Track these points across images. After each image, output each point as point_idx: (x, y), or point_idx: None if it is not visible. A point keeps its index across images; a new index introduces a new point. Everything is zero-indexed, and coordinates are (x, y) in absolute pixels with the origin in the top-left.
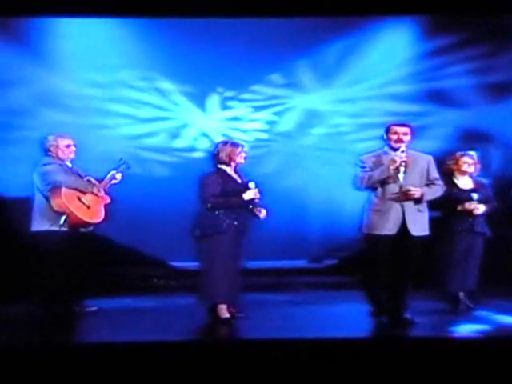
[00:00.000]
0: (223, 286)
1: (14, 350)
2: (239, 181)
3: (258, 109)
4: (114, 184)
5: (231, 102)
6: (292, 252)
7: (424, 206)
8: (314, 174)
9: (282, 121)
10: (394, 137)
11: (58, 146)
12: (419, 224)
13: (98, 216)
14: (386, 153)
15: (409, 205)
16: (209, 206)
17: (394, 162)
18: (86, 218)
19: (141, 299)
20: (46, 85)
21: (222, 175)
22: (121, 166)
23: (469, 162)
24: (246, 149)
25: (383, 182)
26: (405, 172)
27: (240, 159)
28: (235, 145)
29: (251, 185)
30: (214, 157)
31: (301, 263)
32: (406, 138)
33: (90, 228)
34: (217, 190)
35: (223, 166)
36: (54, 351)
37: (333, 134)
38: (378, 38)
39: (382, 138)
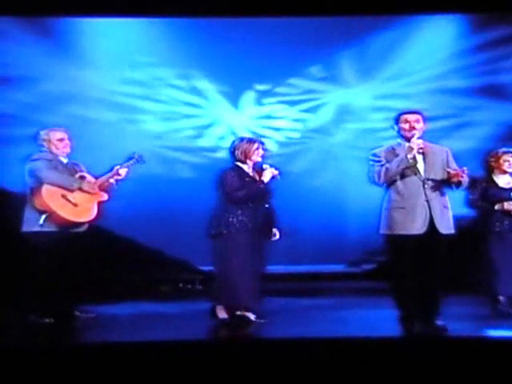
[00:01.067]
0: (233, 289)
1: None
2: (257, 178)
3: (291, 104)
4: (119, 180)
5: (265, 98)
6: (328, 256)
7: (448, 202)
8: (349, 172)
9: (316, 117)
10: (406, 125)
11: (50, 141)
12: (446, 221)
13: (88, 214)
14: (399, 144)
15: (435, 201)
16: (233, 199)
17: (411, 149)
18: (71, 217)
19: (166, 305)
20: (76, 81)
21: (239, 172)
22: (128, 160)
23: (510, 161)
24: (265, 146)
25: (402, 175)
26: (425, 162)
27: (256, 157)
28: (252, 141)
29: (265, 166)
30: (232, 154)
31: (337, 267)
32: (419, 126)
33: (84, 227)
34: (237, 184)
35: (240, 164)
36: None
37: (369, 130)
38: (424, 31)
39: (393, 128)
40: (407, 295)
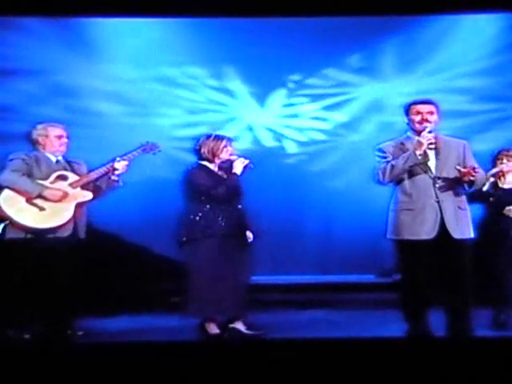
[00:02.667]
0: (213, 300)
1: None
2: (225, 177)
3: (320, 98)
4: (120, 174)
5: (294, 91)
6: (356, 265)
7: (465, 203)
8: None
9: (344, 113)
10: (417, 117)
11: (47, 136)
12: (461, 224)
13: (60, 218)
14: (408, 138)
15: (447, 202)
16: (202, 198)
17: (421, 144)
18: (34, 224)
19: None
20: (96, 77)
21: (206, 172)
22: (132, 151)
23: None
24: (233, 143)
25: (410, 173)
26: (437, 158)
27: (225, 154)
28: (219, 138)
29: (233, 157)
30: (196, 152)
31: (366, 278)
32: (432, 118)
33: (65, 232)
34: (205, 182)
35: (205, 163)
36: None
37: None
38: (466, 26)
39: (404, 120)
40: (419, 307)
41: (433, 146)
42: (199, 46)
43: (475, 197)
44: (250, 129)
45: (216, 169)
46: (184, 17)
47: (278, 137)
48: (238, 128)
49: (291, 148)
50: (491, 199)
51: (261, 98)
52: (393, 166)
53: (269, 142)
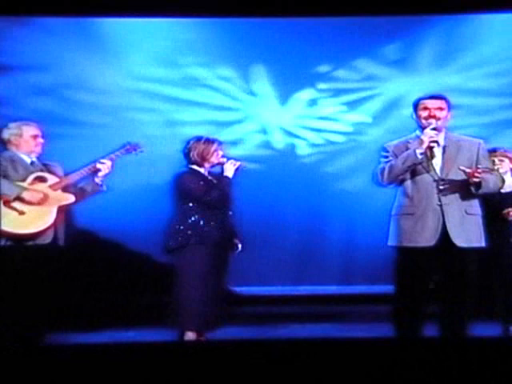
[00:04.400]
0: (202, 311)
1: None
2: (215, 182)
3: (342, 92)
4: (104, 176)
5: (318, 83)
6: (379, 274)
7: (474, 208)
8: None
9: (365, 110)
10: (425, 113)
11: (21, 136)
12: (467, 231)
13: (42, 223)
14: (417, 137)
15: (452, 206)
16: (192, 203)
17: (422, 142)
18: (12, 229)
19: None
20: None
21: (195, 176)
22: (115, 151)
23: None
24: (223, 146)
25: (413, 174)
26: (443, 158)
27: (215, 158)
28: (210, 141)
29: (222, 160)
30: (186, 156)
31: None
32: (441, 115)
33: (45, 238)
34: (195, 187)
35: (195, 167)
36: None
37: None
38: (501, 24)
39: (412, 117)
40: (411, 325)
41: (434, 145)
42: (221, 45)
43: None
44: (270, 127)
45: (206, 173)
46: (204, 17)
47: (298, 135)
48: (256, 126)
49: (309, 148)
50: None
51: (283, 95)
52: (391, 166)
53: (288, 140)
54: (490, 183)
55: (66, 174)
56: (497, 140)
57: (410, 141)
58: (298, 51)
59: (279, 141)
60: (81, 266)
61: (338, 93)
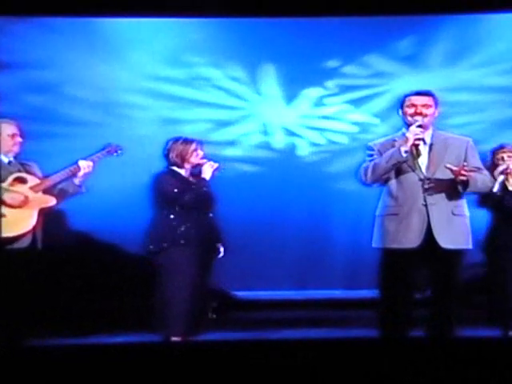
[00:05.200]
0: (183, 315)
1: None
2: (194, 183)
3: (344, 90)
4: (84, 177)
5: (326, 79)
6: None
7: (462, 208)
8: None
9: (370, 108)
10: (411, 110)
11: None
12: (453, 233)
13: (23, 226)
14: (403, 135)
15: (438, 206)
16: (180, 204)
17: (406, 139)
18: None
19: None
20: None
21: (174, 177)
22: (96, 152)
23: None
24: (203, 146)
25: (399, 173)
26: (429, 156)
27: (195, 159)
28: (188, 141)
29: (201, 161)
30: (166, 157)
31: None
32: (428, 112)
33: (24, 244)
34: (179, 188)
35: (175, 168)
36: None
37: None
38: None
39: (398, 114)
40: (400, 325)
41: (420, 143)
42: (228, 43)
43: (484, 201)
44: (274, 127)
45: (186, 174)
46: (210, 17)
47: (302, 135)
48: (260, 126)
49: (313, 147)
50: (500, 203)
51: (289, 94)
52: (375, 165)
53: (292, 140)
54: (477, 182)
55: (47, 176)
56: (509, 137)
57: (397, 139)
58: (307, 47)
59: (282, 141)
60: (59, 269)
61: (345, 90)
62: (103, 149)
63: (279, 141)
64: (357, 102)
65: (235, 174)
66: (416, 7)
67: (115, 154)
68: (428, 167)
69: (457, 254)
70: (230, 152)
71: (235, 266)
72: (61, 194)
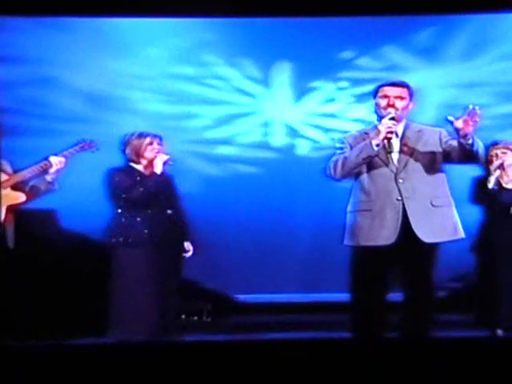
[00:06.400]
0: (134, 320)
1: None
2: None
3: (355, 83)
4: (56, 174)
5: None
6: None
7: (442, 198)
8: None
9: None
10: (384, 102)
11: None
12: (434, 225)
13: None
14: (375, 127)
15: (414, 199)
16: (129, 201)
17: (378, 132)
18: None
19: None
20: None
21: (130, 173)
22: (70, 148)
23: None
24: (160, 141)
25: (370, 167)
26: (401, 150)
27: (150, 153)
28: (142, 136)
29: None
30: (123, 153)
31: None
32: (401, 104)
33: None
34: (128, 183)
35: (132, 164)
36: None
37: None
38: None
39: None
40: (374, 326)
41: (392, 136)
42: (243, 42)
43: (480, 197)
44: (279, 125)
45: (145, 170)
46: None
47: (308, 134)
48: (265, 125)
49: (320, 146)
50: (495, 199)
51: (299, 90)
52: (345, 159)
53: (298, 139)
54: (479, 144)
55: (16, 171)
56: None
57: (368, 132)
58: (321, 37)
59: (288, 140)
60: (32, 268)
61: (355, 83)
62: (76, 144)
63: (285, 139)
64: (364, 98)
65: (239, 173)
66: (435, 6)
67: (89, 149)
68: (399, 160)
69: (437, 247)
70: (235, 151)
71: (237, 269)
72: (32, 192)
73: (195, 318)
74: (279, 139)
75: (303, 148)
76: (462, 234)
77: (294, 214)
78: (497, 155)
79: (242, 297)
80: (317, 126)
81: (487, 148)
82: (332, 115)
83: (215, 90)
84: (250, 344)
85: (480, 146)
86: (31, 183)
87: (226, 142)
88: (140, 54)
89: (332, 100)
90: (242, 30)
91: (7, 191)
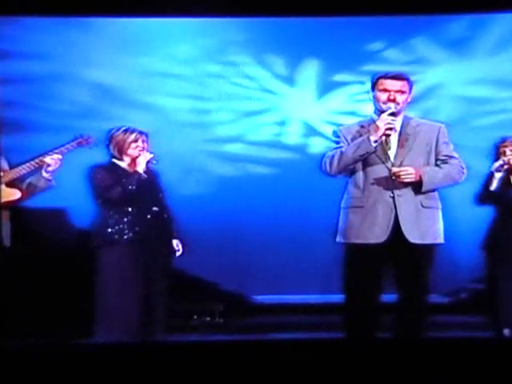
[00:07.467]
0: (120, 320)
1: None
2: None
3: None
4: (53, 170)
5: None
6: None
7: (432, 200)
8: None
9: None
10: (383, 95)
11: None
12: (422, 226)
13: None
14: (372, 120)
15: (405, 197)
16: (108, 200)
17: (377, 128)
18: None
19: None
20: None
21: (113, 170)
22: (65, 144)
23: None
24: (146, 138)
25: (366, 163)
26: (399, 145)
27: (134, 151)
28: (128, 131)
29: (141, 153)
30: (107, 148)
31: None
32: (401, 98)
33: None
34: (109, 182)
35: (115, 161)
36: None
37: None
38: None
39: (369, 98)
40: (366, 325)
41: (391, 132)
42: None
43: (484, 197)
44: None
45: (127, 167)
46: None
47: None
48: (285, 124)
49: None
50: (503, 200)
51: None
52: (341, 154)
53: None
54: (432, 179)
55: (11, 168)
56: None
57: (364, 124)
58: (349, 31)
59: (309, 139)
60: (29, 267)
61: None
62: (73, 140)
63: (304, 139)
64: None
65: (256, 173)
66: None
67: (86, 145)
68: (396, 156)
69: (426, 249)
70: (254, 151)
71: (250, 270)
72: (30, 189)
73: (207, 318)
74: (298, 138)
75: (321, 147)
76: (442, 240)
77: (309, 215)
78: (504, 153)
79: (254, 298)
80: (335, 124)
81: (496, 145)
82: (353, 113)
83: (238, 87)
84: (261, 344)
85: (442, 182)
86: (28, 180)
87: (244, 141)
88: (165, 52)
89: (356, 95)
90: (270, 29)
91: (2, 188)
